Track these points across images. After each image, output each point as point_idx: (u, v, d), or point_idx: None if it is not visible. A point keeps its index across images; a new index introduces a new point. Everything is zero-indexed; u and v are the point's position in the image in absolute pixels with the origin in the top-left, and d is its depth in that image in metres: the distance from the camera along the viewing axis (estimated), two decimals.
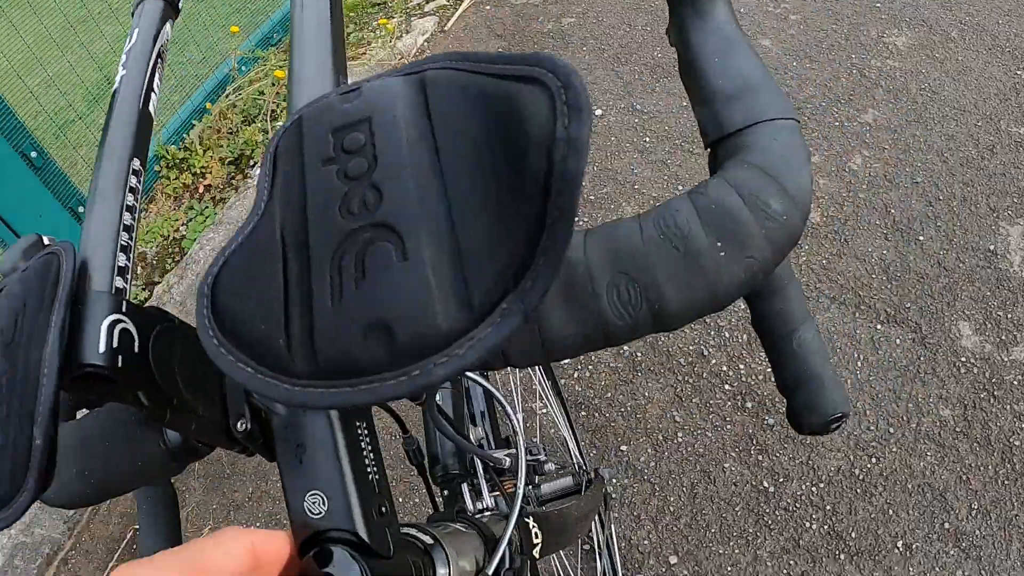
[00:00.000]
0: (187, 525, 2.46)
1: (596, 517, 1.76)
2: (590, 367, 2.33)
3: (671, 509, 2.03)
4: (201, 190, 3.12)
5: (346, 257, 0.35)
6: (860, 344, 2.26)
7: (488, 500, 0.91)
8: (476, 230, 0.33)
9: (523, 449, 0.76)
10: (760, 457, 2.08)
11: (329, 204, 0.37)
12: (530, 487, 1.40)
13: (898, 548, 1.91)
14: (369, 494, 0.46)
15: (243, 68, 3.36)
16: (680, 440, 2.14)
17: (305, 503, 0.46)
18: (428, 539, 0.60)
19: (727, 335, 2.31)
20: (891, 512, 1.97)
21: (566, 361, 2.34)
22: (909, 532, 1.93)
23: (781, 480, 2.04)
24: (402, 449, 0.81)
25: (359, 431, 0.48)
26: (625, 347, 2.33)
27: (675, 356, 2.29)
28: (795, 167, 0.44)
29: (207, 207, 3.06)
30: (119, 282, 0.49)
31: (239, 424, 0.50)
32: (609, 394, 2.27)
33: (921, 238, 2.50)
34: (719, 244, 0.42)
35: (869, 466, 2.05)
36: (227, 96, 3.26)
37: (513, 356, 0.46)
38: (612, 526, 1.92)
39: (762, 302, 0.60)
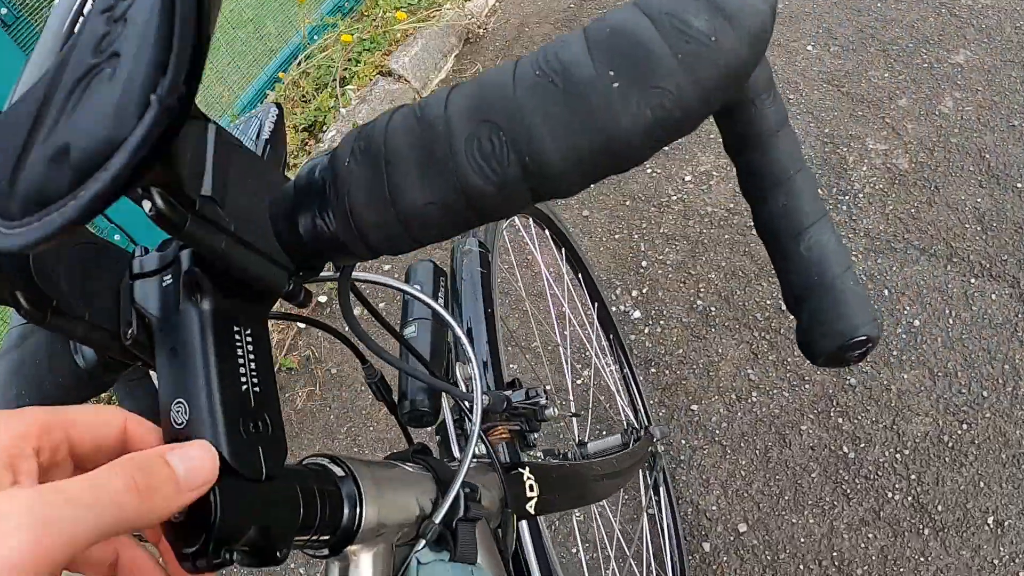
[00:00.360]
0: None
1: (641, 475, 1.67)
2: (661, 322, 2.23)
3: (742, 473, 1.92)
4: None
5: (76, 91, 0.32)
6: (952, 299, 2.09)
7: (478, 446, 0.84)
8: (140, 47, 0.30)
9: (479, 384, 0.68)
10: (840, 420, 1.95)
11: (86, 44, 0.33)
12: (574, 445, 1.32)
13: (988, 525, 1.76)
14: (237, 407, 0.43)
15: (314, 37, 3.36)
16: (754, 400, 2.02)
17: (172, 410, 0.43)
18: (340, 471, 0.54)
19: None
20: (982, 484, 1.81)
21: (635, 315, 2.25)
22: (1001, 507, 1.78)
23: (862, 445, 1.90)
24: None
25: (237, 337, 0.45)
26: (698, 301, 2.22)
27: (751, 311, 2.17)
28: None
29: (313, 148, 3.10)
30: None
31: (128, 332, 0.47)
32: (680, 350, 2.17)
33: (1019, 185, 2.29)
34: (611, 73, 0.35)
35: (959, 433, 1.89)
36: (299, 64, 3.27)
37: (371, 235, 0.41)
38: (664, 488, 1.82)
39: (763, 199, 0.52)
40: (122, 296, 0.48)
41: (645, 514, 1.71)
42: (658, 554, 1.78)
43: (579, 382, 2.18)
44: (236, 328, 0.45)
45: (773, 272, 2.01)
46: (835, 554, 1.77)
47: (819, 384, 2.00)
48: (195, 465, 0.38)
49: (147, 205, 0.36)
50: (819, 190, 0.53)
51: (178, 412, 0.43)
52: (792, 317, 2.02)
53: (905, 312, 2.08)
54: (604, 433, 2.05)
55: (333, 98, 3.11)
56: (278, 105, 0.60)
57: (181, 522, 0.41)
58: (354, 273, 0.62)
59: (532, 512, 0.79)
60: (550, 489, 0.83)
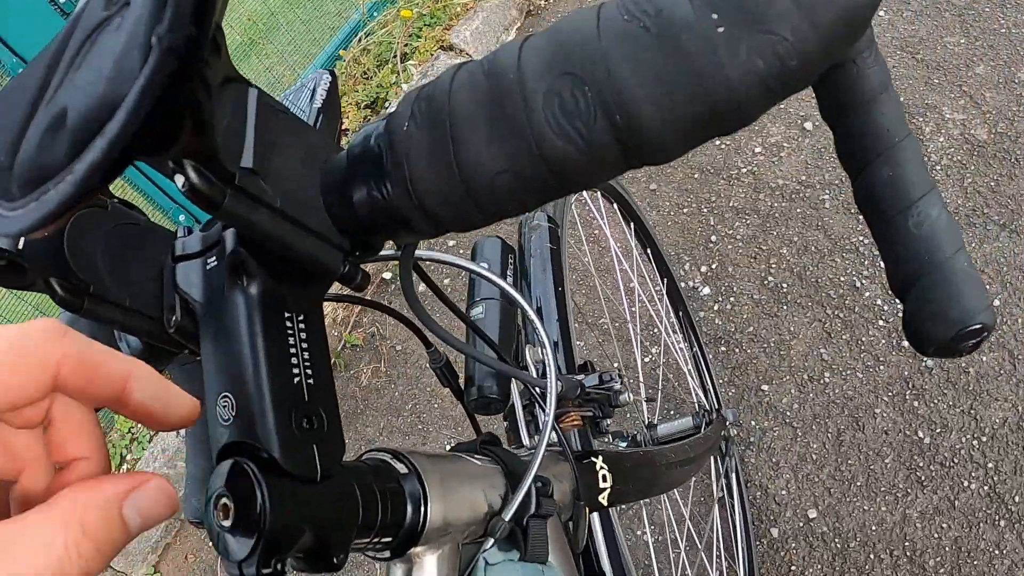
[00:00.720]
0: None
1: (713, 460, 1.62)
2: (731, 299, 2.17)
3: (813, 457, 1.86)
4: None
5: (83, 48, 0.29)
6: None
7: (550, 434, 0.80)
8: None
9: (552, 369, 0.64)
10: (916, 403, 1.87)
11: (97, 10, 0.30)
12: (643, 429, 1.28)
13: None
14: (289, 401, 0.39)
15: (373, 13, 3.34)
16: (827, 381, 1.95)
17: (217, 405, 0.40)
18: (403, 468, 0.50)
19: (883, 264, 2.07)
20: None
21: (704, 291, 2.19)
22: None
23: (939, 431, 1.82)
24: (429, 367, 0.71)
25: (288, 324, 0.41)
26: (769, 277, 2.15)
27: (824, 288, 2.09)
28: None
29: (366, 116, 3.08)
30: None
31: (171, 318, 0.44)
32: (751, 328, 2.11)
33: None
34: (714, 16, 0.30)
35: None
36: (359, 42, 3.25)
37: (434, 208, 0.36)
38: (736, 473, 1.77)
39: (865, 170, 0.47)
40: (165, 280, 0.45)
41: (716, 505, 1.66)
42: (727, 540, 1.73)
43: (647, 359, 2.14)
44: (287, 314, 0.41)
45: (847, 247, 1.93)
46: (907, 544, 1.71)
47: (894, 366, 1.92)
48: (151, 514, 0.32)
49: (180, 180, 0.32)
50: None
51: (224, 407, 0.40)
52: (868, 295, 1.95)
53: (988, 289, 1.98)
54: (674, 414, 2.00)
55: (394, 74, 3.09)
56: (331, 71, 0.56)
57: (227, 527, 0.38)
58: (416, 251, 0.58)
59: (604, 504, 0.76)
60: (623, 479, 0.79)
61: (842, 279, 2.09)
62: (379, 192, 0.37)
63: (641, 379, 1.57)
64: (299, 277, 0.41)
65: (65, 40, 0.30)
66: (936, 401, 1.86)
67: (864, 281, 2.06)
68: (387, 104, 3.10)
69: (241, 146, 0.36)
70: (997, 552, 1.64)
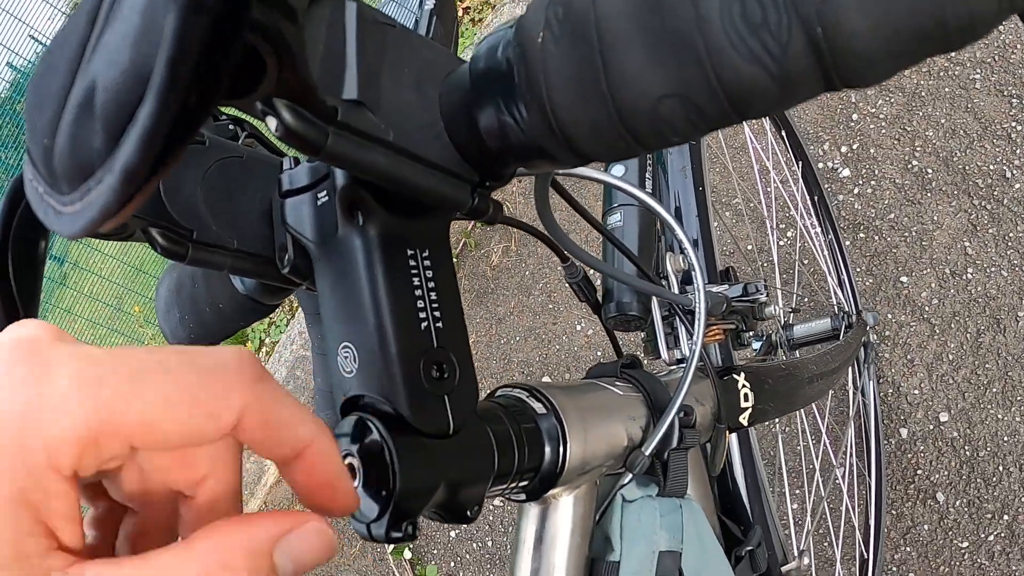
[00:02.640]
0: None
1: (850, 369, 1.54)
2: (872, 182, 2.04)
3: (950, 357, 1.76)
4: (460, 12, 3.05)
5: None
6: None
7: (687, 349, 0.75)
8: None
9: (702, 287, 0.58)
10: None
11: None
12: (779, 329, 1.21)
13: None
14: (417, 351, 0.36)
15: None
16: (970, 277, 1.82)
17: (339, 355, 0.37)
18: (540, 407, 0.46)
19: None
20: None
21: (844, 174, 2.06)
22: None
23: None
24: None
25: (412, 263, 0.37)
26: (913, 161, 2.00)
27: (971, 176, 1.93)
28: None
29: (465, 28, 3.02)
30: None
31: (284, 258, 0.40)
32: (892, 215, 1.98)
33: None
34: None
35: None
36: None
37: (580, 140, 0.30)
38: (873, 382, 1.69)
39: None
40: (274, 216, 0.41)
41: (851, 417, 1.59)
42: (859, 446, 1.67)
43: (783, 243, 2.04)
44: (410, 251, 0.37)
45: (998, 133, 1.77)
46: None
47: None
48: (306, 560, 0.27)
49: (272, 123, 0.27)
50: None
51: (346, 359, 0.36)
52: (1018, 187, 1.80)
53: None
54: (811, 315, 1.92)
55: None
56: None
57: (355, 488, 0.35)
58: None
59: (745, 424, 0.71)
60: (765, 397, 0.73)
61: (991, 167, 1.92)
62: (511, 118, 0.31)
63: (777, 274, 1.49)
64: (421, 210, 0.37)
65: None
66: None
67: (1015, 171, 1.89)
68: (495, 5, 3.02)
69: (342, 74, 0.30)
70: None
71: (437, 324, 0.37)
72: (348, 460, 0.35)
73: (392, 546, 2.42)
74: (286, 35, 0.24)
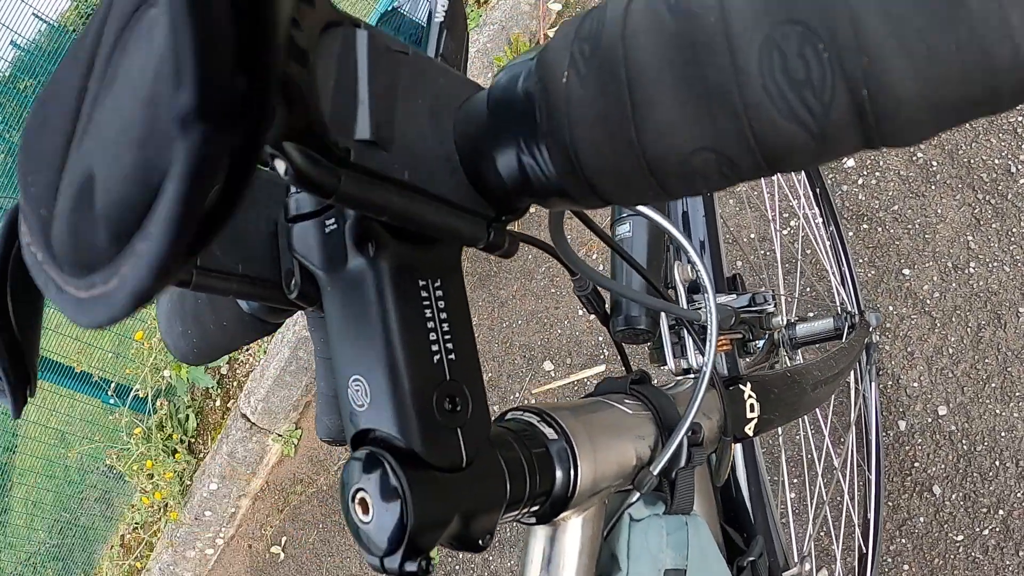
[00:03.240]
0: None
1: (853, 371, 1.54)
2: (876, 173, 2.03)
3: (950, 351, 1.76)
4: None
5: (116, 52, 0.22)
6: None
7: (693, 359, 0.75)
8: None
9: (714, 309, 0.58)
10: None
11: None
12: (781, 329, 1.21)
13: None
14: (429, 384, 0.35)
15: None
16: (972, 271, 1.82)
17: (349, 388, 0.36)
18: (551, 432, 0.46)
19: None
20: None
21: (848, 164, 2.05)
22: None
23: None
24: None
25: (424, 294, 0.36)
26: (918, 152, 1.99)
27: (976, 170, 1.92)
28: None
29: (471, 10, 2.99)
30: None
31: (291, 283, 0.39)
32: (896, 207, 1.97)
33: None
34: None
35: None
36: None
37: (605, 186, 0.29)
38: (874, 384, 1.69)
39: None
40: (280, 241, 0.40)
41: (853, 415, 1.59)
42: (859, 441, 1.68)
43: (785, 232, 2.04)
44: (422, 282, 0.36)
45: (1004, 128, 1.76)
46: None
47: None
48: None
49: (281, 166, 0.25)
50: None
51: (357, 391, 0.35)
52: (1023, 182, 1.79)
53: None
54: (813, 315, 1.91)
55: None
56: None
57: (367, 523, 0.35)
58: None
59: (751, 434, 0.71)
60: (771, 407, 0.74)
61: (996, 162, 1.92)
62: (532, 158, 0.30)
63: (779, 270, 1.48)
64: (433, 240, 0.36)
65: (100, 26, 0.23)
66: None
67: (1020, 166, 1.88)
68: None
69: (354, 112, 0.29)
70: None
71: (450, 356, 0.37)
72: (360, 495, 0.35)
73: None
74: (296, 79, 0.23)
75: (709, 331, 0.58)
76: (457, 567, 2.32)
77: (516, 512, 0.43)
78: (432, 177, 0.32)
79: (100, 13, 0.24)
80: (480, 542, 0.39)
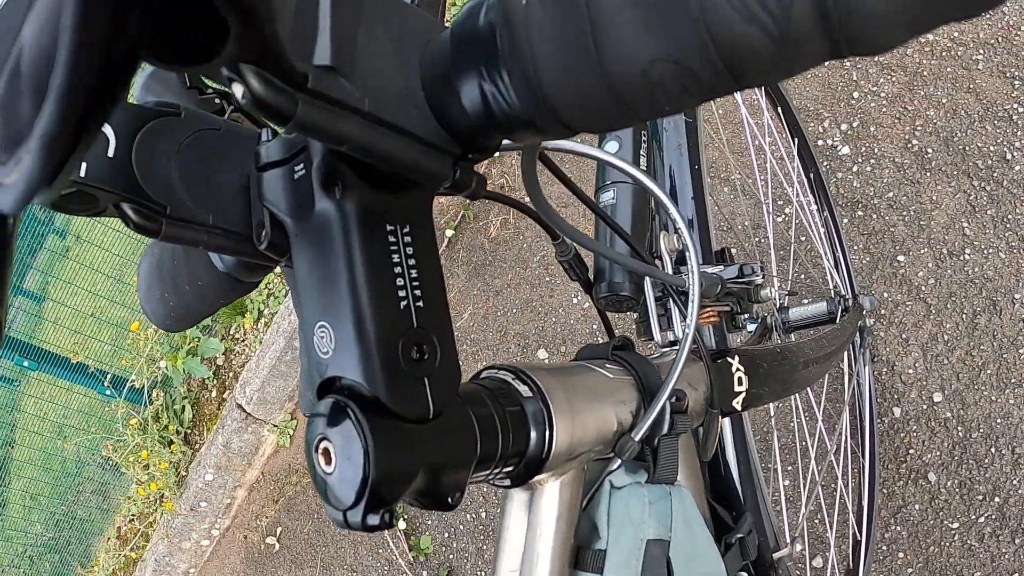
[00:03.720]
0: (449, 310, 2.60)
1: (846, 353, 1.53)
2: (871, 161, 2.02)
3: (945, 338, 1.76)
4: None
5: None
6: None
7: (680, 331, 0.74)
8: None
9: (696, 268, 0.57)
10: None
11: None
12: (775, 312, 1.20)
13: None
14: (395, 331, 0.35)
15: None
16: (967, 258, 1.82)
17: (315, 335, 0.35)
18: (525, 389, 0.45)
19: None
20: None
21: (843, 151, 2.04)
22: None
23: None
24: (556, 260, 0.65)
25: (392, 239, 0.35)
26: (914, 140, 1.98)
27: (972, 156, 1.91)
28: None
29: None
30: None
31: (261, 234, 0.39)
32: (891, 193, 1.96)
33: None
34: None
35: None
36: None
37: (567, 110, 0.28)
38: (867, 367, 1.68)
39: None
40: (251, 191, 0.39)
41: (846, 400, 1.58)
42: (853, 426, 1.67)
43: (779, 220, 2.03)
44: (390, 227, 0.35)
45: (1000, 115, 1.75)
46: None
47: None
48: None
49: (239, 89, 0.25)
50: None
51: (322, 339, 0.35)
52: (1018, 169, 1.78)
53: None
54: (807, 299, 1.91)
55: None
56: None
57: (330, 473, 0.34)
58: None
59: (738, 408, 0.70)
60: (759, 381, 0.73)
61: (992, 149, 1.91)
62: (494, 86, 0.30)
63: (773, 254, 1.48)
64: (402, 184, 0.35)
65: None
66: None
67: (1016, 153, 1.87)
68: None
69: (315, 37, 0.28)
70: None
71: (418, 303, 0.36)
72: (323, 444, 0.35)
73: None
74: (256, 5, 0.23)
75: (691, 293, 0.57)
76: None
77: (488, 471, 0.42)
78: (395, 109, 0.31)
79: None
80: (450, 500, 0.38)
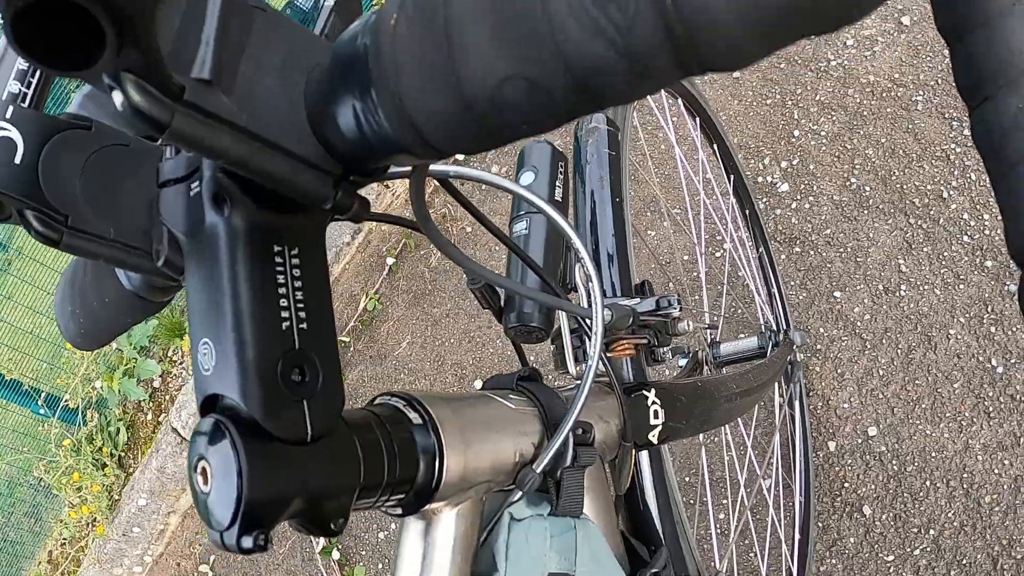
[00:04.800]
0: (387, 339, 2.61)
1: (776, 387, 1.55)
2: (810, 198, 2.06)
3: (880, 372, 1.78)
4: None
5: None
6: None
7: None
8: None
9: (598, 296, 0.57)
10: (993, 329, 1.75)
11: None
12: (706, 347, 1.21)
13: None
14: (275, 353, 0.34)
15: None
16: (903, 294, 1.85)
17: (198, 352, 0.35)
18: (416, 417, 0.45)
19: (974, 176, 1.92)
20: None
21: (782, 188, 2.08)
22: None
23: (1013, 361, 1.71)
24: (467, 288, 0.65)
25: (279, 260, 0.35)
26: (852, 178, 2.02)
27: (909, 195, 1.95)
28: None
29: None
30: (14, 86, 0.41)
31: (158, 251, 0.40)
32: (829, 230, 2.00)
33: None
34: None
35: None
36: None
37: (430, 131, 0.29)
38: (800, 401, 1.70)
39: (987, 101, 0.37)
40: (152, 208, 0.40)
41: (778, 433, 1.59)
42: (785, 460, 1.68)
43: (718, 254, 2.05)
44: (278, 247, 0.35)
45: (937, 154, 1.79)
46: (965, 476, 1.64)
47: (975, 286, 1.80)
48: None
49: (117, 98, 0.26)
50: None
51: (204, 355, 0.34)
52: (954, 207, 1.82)
53: None
54: (739, 333, 1.92)
55: None
56: None
57: (207, 493, 0.34)
58: (437, 167, 0.50)
59: (654, 442, 0.70)
60: (678, 415, 0.72)
61: (929, 187, 1.95)
62: (365, 108, 0.30)
63: (704, 290, 1.49)
64: (290, 204, 0.35)
65: None
66: (1015, 329, 1.74)
67: (952, 192, 1.92)
68: None
69: (196, 51, 0.29)
70: None
71: (301, 325, 0.36)
72: (201, 464, 0.34)
73: (320, 546, 2.40)
74: (123, 5, 0.23)
75: (594, 325, 0.57)
76: None
77: (375, 499, 0.41)
78: (274, 127, 0.31)
79: None
80: (332, 525, 0.37)
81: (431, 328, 2.52)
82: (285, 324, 0.35)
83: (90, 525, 3.08)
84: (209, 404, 0.35)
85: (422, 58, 0.27)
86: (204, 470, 0.34)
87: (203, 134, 0.28)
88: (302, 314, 0.36)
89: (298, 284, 0.36)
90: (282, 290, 0.35)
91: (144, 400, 3.11)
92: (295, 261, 0.36)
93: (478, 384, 2.34)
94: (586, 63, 0.24)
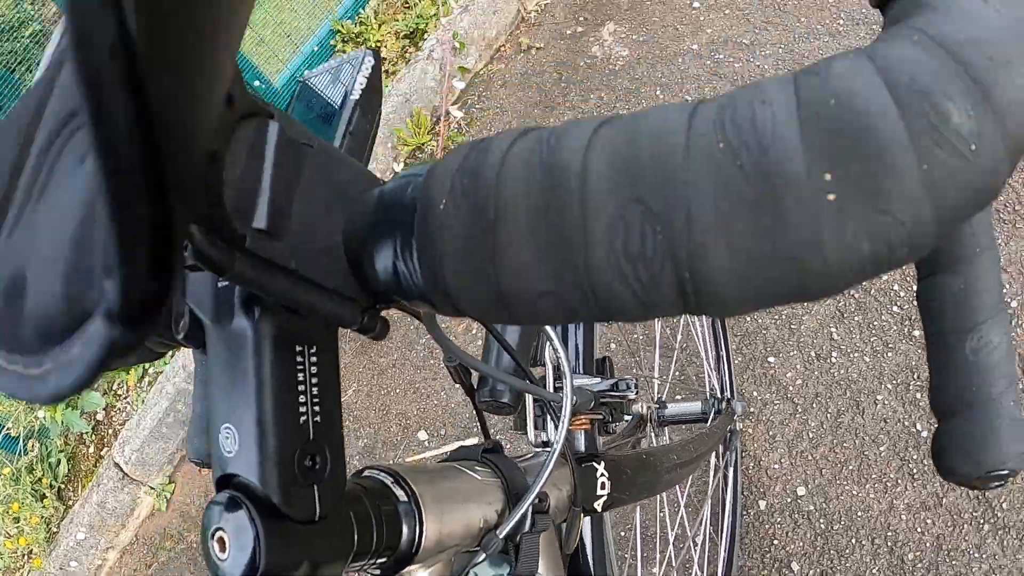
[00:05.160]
0: None
1: (713, 454, 1.62)
2: None
3: (810, 435, 1.87)
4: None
5: (50, 153, 0.25)
6: None
7: (552, 433, 0.80)
8: None
9: (569, 393, 0.64)
10: (919, 395, 1.86)
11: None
12: (652, 406, 1.27)
13: None
14: (293, 443, 0.38)
15: None
16: (834, 360, 1.95)
17: (220, 433, 0.38)
18: (401, 493, 0.50)
19: None
20: None
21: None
22: None
23: (936, 425, 1.80)
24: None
25: (299, 359, 0.39)
26: None
27: None
28: (1012, 50, 0.23)
29: None
30: None
31: (179, 324, 0.41)
32: None
33: None
34: (827, 177, 0.23)
35: None
36: None
37: (463, 304, 0.32)
38: (734, 467, 1.78)
39: (935, 274, 0.42)
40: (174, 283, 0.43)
41: (709, 500, 1.67)
42: (715, 518, 1.76)
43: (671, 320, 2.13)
44: (299, 347, 0.39)
45: None
46: (890, 534, 1.73)
47: (903, 354, 1.91)
48: None
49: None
50: None
51: (227, 439, 0.38)
52: (885, 279, 1.90)
53: (1005, 289, 1.96)
54: (684, 396, 2.00)
55: (435, 5, 3.09)
56: (375, 51, 0.51)
57: (224, 560, 0.38)
58: None
59: (599, 509, 0.76)
60: (622, 486, 0.79)
61: None
62: (404, 264, 0.33)
63: (656, 353, 1.56)
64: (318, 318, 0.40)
65: (40, 104, 0.25)
66: None
67: None
68: (425, 35, 3.05)
69: (255, 201, 0.31)
70: (977, 555, 1.65)
71: (315, 418, 0.39)
72: (219, 533, 0.38)
73: None
74: (205, 175, 0.26)
75: (563, 415, 0.63)
76: None
77: (362, 563, 0.46)
78: (317, 267, 0.34)
79: (39, 91, 0.26)
80: None
81: (377, 377, 2.55)
82: (303, 418, 0.39)
83: (26, 557, 3.02)
84: (226, 480, 0.39)
85: (466, 250, 0.30)
86: (222, 539, 0.38)
87: (260, 278, 0.32)
88: (317, 408, 0.39)
89: (314, 380, 0.39)
90: (301, 387, 0.39)
91: (87, 432, 3.08)
92: (313, 359, 0.39)
93: (422, 435, 2.38)
94: (611, 300, 0.28)
